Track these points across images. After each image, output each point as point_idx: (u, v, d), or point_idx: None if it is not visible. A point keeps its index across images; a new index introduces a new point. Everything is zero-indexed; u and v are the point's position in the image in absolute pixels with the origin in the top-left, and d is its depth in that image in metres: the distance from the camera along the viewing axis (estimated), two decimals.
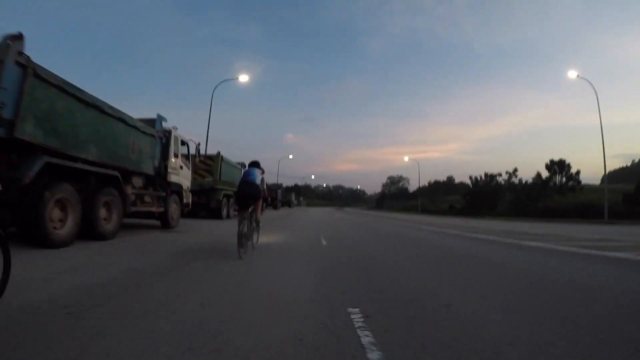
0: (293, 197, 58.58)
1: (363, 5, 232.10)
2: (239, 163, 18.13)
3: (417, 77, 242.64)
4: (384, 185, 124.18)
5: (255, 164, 6.29)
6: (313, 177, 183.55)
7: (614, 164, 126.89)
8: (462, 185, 78.52)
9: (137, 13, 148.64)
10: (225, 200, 15.80)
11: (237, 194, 6.19)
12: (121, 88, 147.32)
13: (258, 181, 5.96)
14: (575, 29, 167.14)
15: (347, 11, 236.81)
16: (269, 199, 24.66)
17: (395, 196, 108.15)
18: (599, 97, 24.60)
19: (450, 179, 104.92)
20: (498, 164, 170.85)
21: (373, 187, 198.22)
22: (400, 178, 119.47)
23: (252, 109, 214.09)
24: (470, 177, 56.07)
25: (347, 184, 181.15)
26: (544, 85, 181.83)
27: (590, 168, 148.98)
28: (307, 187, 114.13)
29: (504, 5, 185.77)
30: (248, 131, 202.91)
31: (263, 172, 6.38)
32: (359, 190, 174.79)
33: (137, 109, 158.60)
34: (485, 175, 54.00)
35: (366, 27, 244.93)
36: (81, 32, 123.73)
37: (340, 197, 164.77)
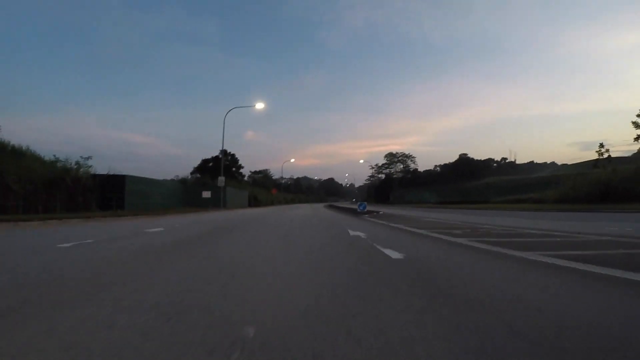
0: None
1: None
2: None
3: (376, 71, 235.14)
4: (381, 167, 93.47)
5: None
6: (293, 160, 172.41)
7: (569, 152, 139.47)
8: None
9: (87, 6, 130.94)
10: None
11: None
12: (71, 83, 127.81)
13: None
14: (532, 23, 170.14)
15: (306, 3, 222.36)
16: None
17: (402, 182, 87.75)
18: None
19: (466, 158, 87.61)
20: (455, 155, 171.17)
21: (339, 179, 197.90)
22: (404, 156, 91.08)
23: (206, 105, 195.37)
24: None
25: (309, 177, 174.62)
26: (501, 78, 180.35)
27: (543, 156, 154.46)
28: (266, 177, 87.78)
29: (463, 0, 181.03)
30: (204, 128, 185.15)
31: None
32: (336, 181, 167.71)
33: (88, 106, 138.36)
34: None
35: (325, 20, 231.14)
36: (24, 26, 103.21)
37: (312, 190, 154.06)
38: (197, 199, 32.70)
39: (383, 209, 28.09)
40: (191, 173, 51.47)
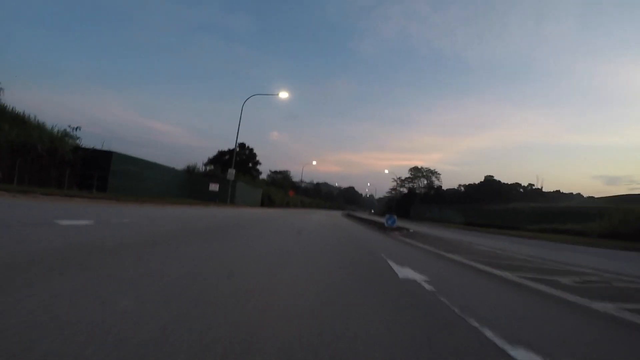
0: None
1: (358, 6, 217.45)
2: None
3: (405, 84, 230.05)
4: (404, 181, 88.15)
5: None
6: (314, 162, 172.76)
7: (593, 185, 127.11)
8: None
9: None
10: None
11: None
12: (100, 65, 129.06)
13: None
14: (568, 51, 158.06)
15: (341, 10, 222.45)
16: None
17: (425, 199, 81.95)
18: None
19: (492, 180, 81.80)
20: (478, 176, 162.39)
21: (359, 188, 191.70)
22: (429, 172, 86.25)
23: (232, 100, 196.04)
24: None
25: (329, 184, 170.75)
26: (531, 103, 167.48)
27: (568, 186, 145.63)
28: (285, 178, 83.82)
29: (499, 20, 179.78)
30: (227, 123, 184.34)
31: None
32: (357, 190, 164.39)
33: (114, 88, 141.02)
34: None
35: (359, 28, 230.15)
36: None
37: (331, 196, 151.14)
38: (204, 191, 29.50)
39: (411, 226, 23.89)
40: (205, 164, 48.50)
